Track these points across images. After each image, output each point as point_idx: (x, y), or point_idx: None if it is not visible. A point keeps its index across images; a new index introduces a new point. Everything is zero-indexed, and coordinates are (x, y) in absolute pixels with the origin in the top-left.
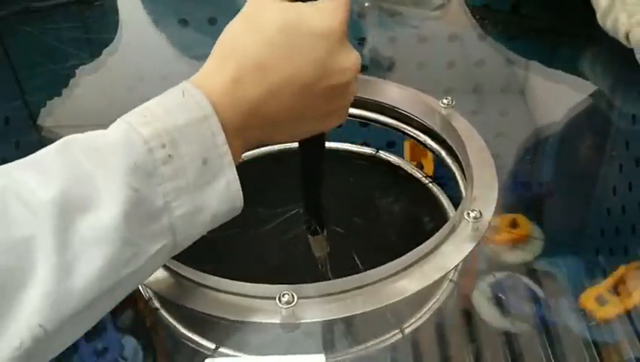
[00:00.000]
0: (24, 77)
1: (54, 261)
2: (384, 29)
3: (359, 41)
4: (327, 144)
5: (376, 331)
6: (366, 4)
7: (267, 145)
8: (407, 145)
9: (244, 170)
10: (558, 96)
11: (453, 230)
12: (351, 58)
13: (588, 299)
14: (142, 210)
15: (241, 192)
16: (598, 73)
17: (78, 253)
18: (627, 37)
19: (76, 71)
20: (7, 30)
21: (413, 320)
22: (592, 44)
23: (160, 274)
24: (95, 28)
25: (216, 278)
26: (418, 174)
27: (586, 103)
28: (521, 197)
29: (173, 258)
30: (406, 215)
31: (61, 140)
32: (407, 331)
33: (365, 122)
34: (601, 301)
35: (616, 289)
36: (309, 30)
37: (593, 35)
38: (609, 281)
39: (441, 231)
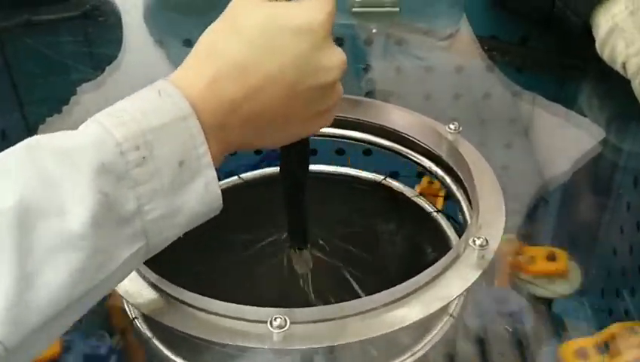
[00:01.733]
0: (24, 90)
1: (15, 273)
2: (390, 58)
3: (364, 68)
4: (329, 168)
5: (373, 361)
6: (373, 31)
7: (251, 149)
8: (424, 180)
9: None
10: (562, 134)
11: (457, 257)
12: (336, 56)
13: (567, 351)
14: (112, 215)
15: (219, 193)
16: (599, 109)
17: (41, 262)
18: (624, 66)
19: (77, 88)
20: (8, 42)
21: (412, 351)
22: (599, 80)
23: (146, 292)
24: (98, 43)
25: (205, 299)
26: (422, 202)
27: (589, 143)
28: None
29: (162, 276)
30: (408, 243)
31: (25, 141)
32: None
33: (367, 147)
34: (582, 355)
35: (606, 346)
36: (291, 28)
37: (601, 69)
38: (597, 337)
39: (444, 258)
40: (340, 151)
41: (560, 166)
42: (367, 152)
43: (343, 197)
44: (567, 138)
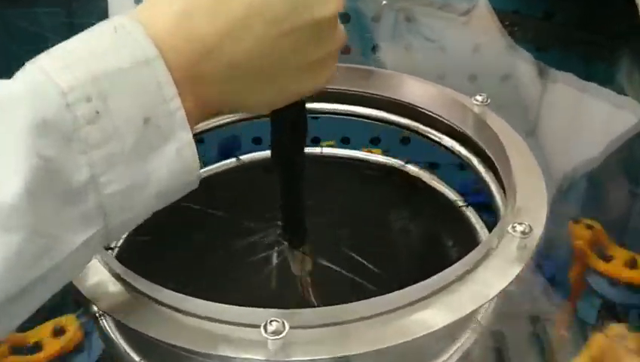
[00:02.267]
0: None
1: None
2: (399, 36)
3: (372, 48)
4: (340, 152)
5: None
6: (384, 2)
7: (233, 110)
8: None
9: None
10: (594, 115)
11: (493, 248)
12: None
13: None
14: (57, 187)
15: (197, 161)
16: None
17: None
18: None
19: None
20: None
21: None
22: (631, 55)
23: (112, 286)
24: (79, 14)
25: (183, 297)
26: (444, 189)
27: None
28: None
29: (135, 268)
30: (430, 237)
31: None
32: None
33: (375, 123)
34: None
35: None
36: None
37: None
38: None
39: (477, 249)
40: (345, 140)
41: (594, 149)
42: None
43: (352, 184)
44: (606, 119)
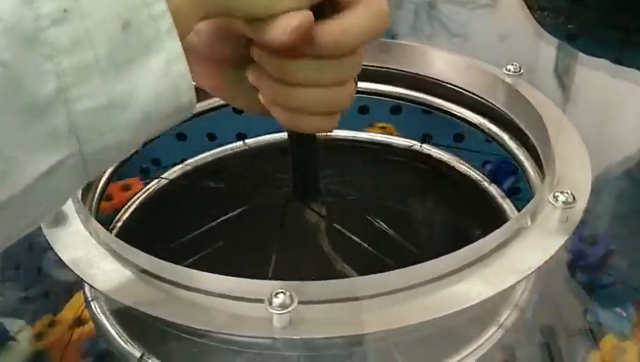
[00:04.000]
0: None
1: None
2: (421, 24)
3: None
4: (350, 134)
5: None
6: None
7: (235, 14)
8: None
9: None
10: (630, 105)
11: (533, 218)
12: None
13: None
14: (17, 99)
15: (189, 79)
16: None
17: None
18: None
19: None
20: None
21: (473, 346)
22: None
23: (95, 255)
24: None
25: (178, 268)
26: (468, 170)
27: None
28: None
29: (125, 239)
30: (456, 221)
31: None
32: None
33: (397, 103)
34: None
35: None
36: None
37: None
38: None
39: (514, 219)
40: (364, 109)
41: (631, 144)
42: (396, 110)
43: (370, 167)
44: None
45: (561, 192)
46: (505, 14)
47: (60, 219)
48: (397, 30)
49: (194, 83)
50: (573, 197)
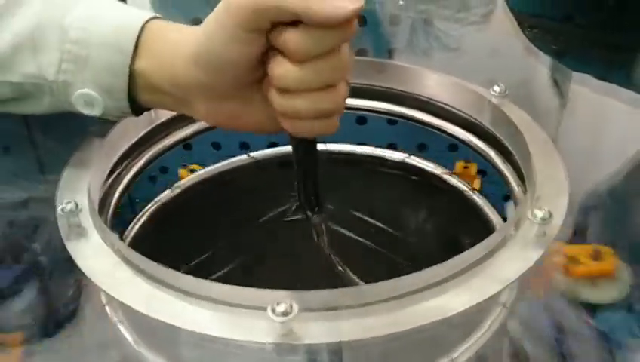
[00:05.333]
0: None
1: None
2: (416, 38)
3: (389, 52)
4: (344, 147)
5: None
6: (400, 2)
7: None
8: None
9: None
10: (616, 121)
11: (512, 234)
12: None
13: None
14: None
15: None
16: None
17: None
18: None
19: None
20: None
21: (456, 351)
22: None
23: (112, 265)
24: None
25: (187, 278)
26: (457, 183)
27: None
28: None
29: (152, 258)
30: (444, 232)
31: None
32: None
33: (393, 118)
34: None
35: None
36: None
37: None
38: None
39: (496, 234)
40: (361, 120)
41: (619, 154)
42: (392, 122)
43: (365, 179)
44: (622, 122)
45: (540, 209)
46: (496, 32)
47: (80, 233)
48: (395, 45)
49: (207, 122)
50: (550, 214)
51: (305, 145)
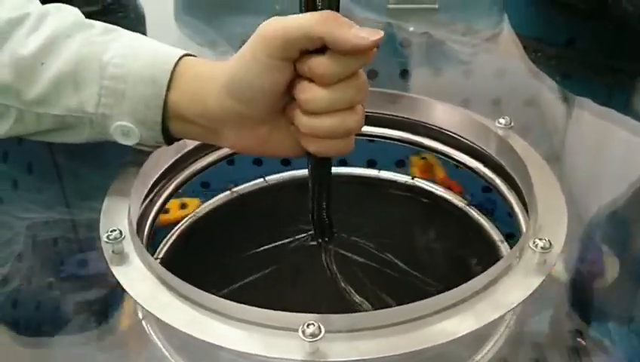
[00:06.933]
0: None
1: None
2: (427, 60)
3: (401, 73)
4: (354, 170)
5: None
6: (410, 29)
7: None
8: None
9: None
10: (613, 141)
11: (515, 262)
12: None
13: None
14: None
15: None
16: None
17: None
18: None
19: None
20: None
21: None
22: None
23: (155, 289)
24: None
25: (223, 301)
26: (459, 203)
27: None
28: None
29: (182, 278)
30: (452, 253)
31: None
32: None
33: (404, 145)
34: None
35: None
36: None
37: None
38: None
39: (500, 262)
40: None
41: (613, 177)
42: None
43: (373, 201)
44: (619, 148)
45: (540, 239)
46: (503, 53)
47: (123, 259)
48: (405, 66)
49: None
50: (550, 243)
51: (323, 164)
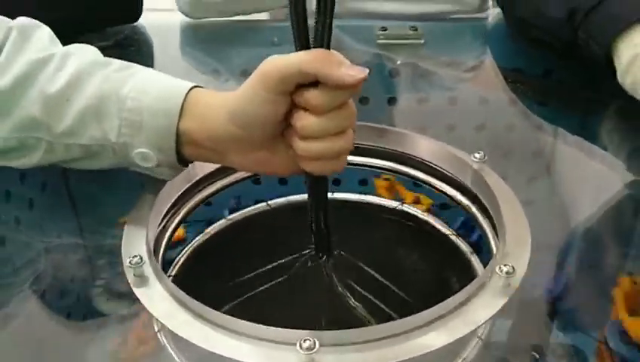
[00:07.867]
0: None
1: None
2: (414, 89)
3: (389, 100)
4: (346, 196)
5: None
6: (398, 62)
7: None
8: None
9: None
10: (585, 170)
11: (483, 285)
12: None
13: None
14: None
15: None
16: (620, 143)
17: None
18: None
19: None
20: None
21: None
22: (621, 112)
23: (172, 307)
24: None
25: (232, 319)
26: (442, 228)
27: (613, 179)
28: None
29: (189, 293)
30: (432, 273)
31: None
32: None
33: (391, 174)
34: None
35: None
36: None
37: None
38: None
39: (470, 285)
40: (364, 182)
41: (583, 202)
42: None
43: (362, 224)
44: (590, 174)
45: (505, 265)
46: (484, 83)
47: (144, 282)
48: (393, 94)
49: (241, 168)
50: (514, 269)
51: (319, 182)
